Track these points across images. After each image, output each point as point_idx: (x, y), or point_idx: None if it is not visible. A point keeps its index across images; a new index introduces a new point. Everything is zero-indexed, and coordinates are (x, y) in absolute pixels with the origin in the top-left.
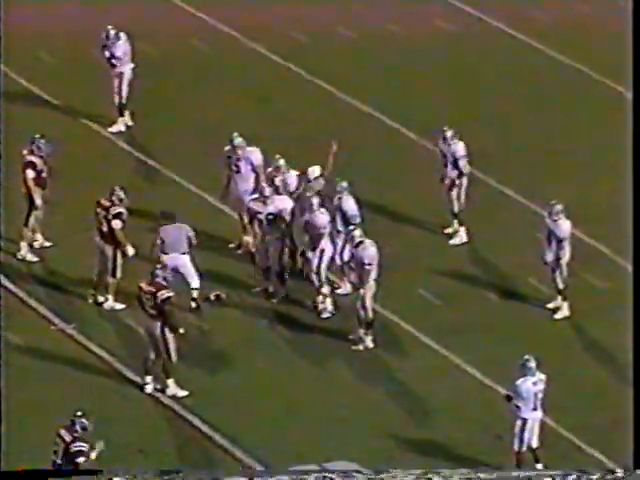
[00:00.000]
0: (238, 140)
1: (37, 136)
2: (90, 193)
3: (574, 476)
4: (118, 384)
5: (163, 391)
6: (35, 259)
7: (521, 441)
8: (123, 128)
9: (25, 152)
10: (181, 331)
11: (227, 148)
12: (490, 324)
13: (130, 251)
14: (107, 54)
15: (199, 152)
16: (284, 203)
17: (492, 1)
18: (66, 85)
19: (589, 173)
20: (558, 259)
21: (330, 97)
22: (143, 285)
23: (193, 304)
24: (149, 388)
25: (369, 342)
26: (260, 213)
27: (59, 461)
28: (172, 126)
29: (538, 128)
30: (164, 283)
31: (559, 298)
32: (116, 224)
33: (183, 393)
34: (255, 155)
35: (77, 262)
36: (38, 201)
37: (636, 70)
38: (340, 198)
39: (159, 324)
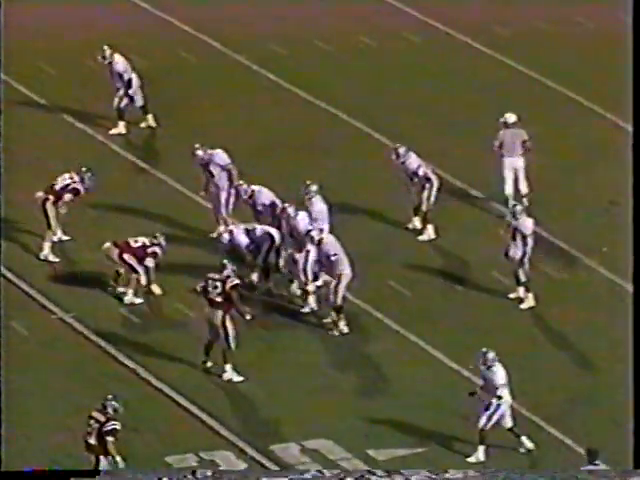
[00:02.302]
0: (198, 152)
1: (84, 169)
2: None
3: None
4: (113, 368)
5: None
6: (56, 260)
7: (489, 420)
8: (124, 131)
9: (74, 178)
10: (248, 317)
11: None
12: (455, 313)
13: (157, 290)
14: (111, 70)
15: (186, 155)
16: (238, 237)
17: (458, 16)
18: (64, 93)
19: (554, 173)
20: (523, 254)
21: (307, 104)
22: (211, 274)
23: None
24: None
25: (343, 327)
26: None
27: (92, 441)
28: (161, 131)
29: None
30: (232, 273)
31: (521, 289)
32: (149, 262)
33: (239, 378)
34: (219, 156)
35: (76, 255)
36: (53, 219)
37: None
38: (310, 199)
39: (221, 312)
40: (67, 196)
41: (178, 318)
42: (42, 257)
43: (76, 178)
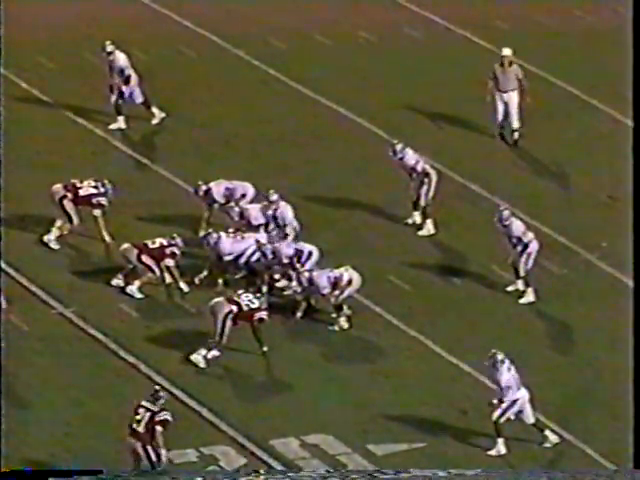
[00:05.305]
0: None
1: (107, 181)
2: None
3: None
4: (113, 363)
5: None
6: (57, 247)
7: (503, 413)
8: (123, 125)
9: (100, 189)
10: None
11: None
12: (455, 307)
13: (185, 288)
14: (112, 65)
15: (185, 150)
16: (222, 245)
17: (457, 10)
18: (64, 88)
19: (547, 167)
20: (522, 252)
21: (307, 99)
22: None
23: None
24: (209, 355)
25: (343, 322)
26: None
27: (141, 429)
28: (161, 126)
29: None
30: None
31: (520, 282)
32: (169, 262)
33: (202, 365)
34: (217, 190)
35: (76, 249)
36: (75, 215)
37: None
38: (276, 209)
39: (228, 309)
40: (90, 207)
41: (178, 313)
42: (45, 239)
43: (101, 189)
